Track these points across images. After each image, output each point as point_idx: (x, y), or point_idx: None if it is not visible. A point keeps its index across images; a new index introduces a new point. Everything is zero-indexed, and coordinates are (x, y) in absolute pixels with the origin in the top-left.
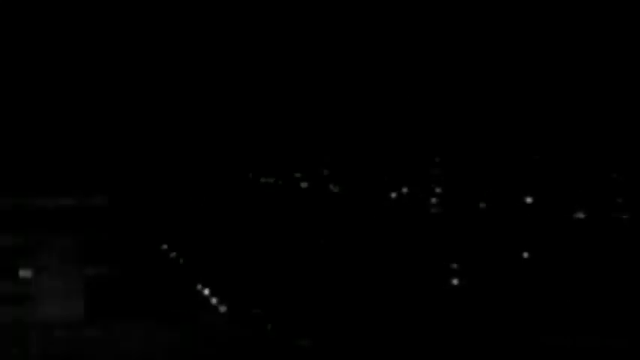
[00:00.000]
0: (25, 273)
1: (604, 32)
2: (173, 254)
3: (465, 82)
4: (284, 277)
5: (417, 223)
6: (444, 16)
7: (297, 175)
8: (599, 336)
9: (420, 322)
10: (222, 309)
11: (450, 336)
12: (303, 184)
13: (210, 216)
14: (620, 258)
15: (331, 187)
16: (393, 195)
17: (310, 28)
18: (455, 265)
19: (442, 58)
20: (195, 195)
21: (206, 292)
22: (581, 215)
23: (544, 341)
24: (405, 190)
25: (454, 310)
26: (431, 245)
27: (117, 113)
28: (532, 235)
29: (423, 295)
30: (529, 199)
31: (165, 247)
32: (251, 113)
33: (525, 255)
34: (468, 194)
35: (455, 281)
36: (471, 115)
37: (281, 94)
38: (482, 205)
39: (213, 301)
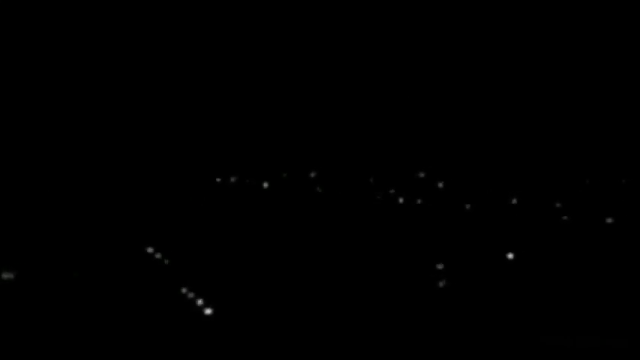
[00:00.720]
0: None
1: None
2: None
3: (442, 80)
4: (267, 278)
5: (402, 224)
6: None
7: (284, 175)
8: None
9: (410, 323)
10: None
11: (441, 337)
12: (287, 185)
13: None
14: (604, 259)
15: (318, 188)
16: (378, 196)
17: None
18: (440, 266)
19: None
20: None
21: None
22: (565, 217)
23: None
24: (392, 191)
25: (442, 310)
26: (416, 246)
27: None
28: (517, 236)
29: (410, 297)
30: (514, 200)
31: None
32: (217, 113)
33: (510, 256)
34: (454, 194)
35: (441, 283)
36: (454, 115)
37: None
38: (467, 205)
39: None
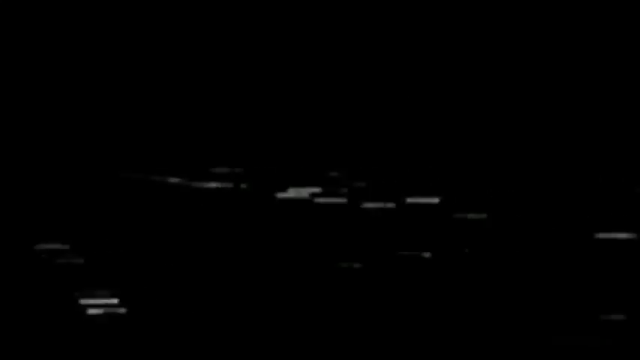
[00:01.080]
0: None
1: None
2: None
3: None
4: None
5: (321, 223)
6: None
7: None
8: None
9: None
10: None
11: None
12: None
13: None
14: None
15: (242, 185)
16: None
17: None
18: (357, 265)
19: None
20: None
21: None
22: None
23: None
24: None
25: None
26: (331, 245)
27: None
28: (435, 236)
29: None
30: (435, 200)
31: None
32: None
33: (427, 255)
34: (375, 193)
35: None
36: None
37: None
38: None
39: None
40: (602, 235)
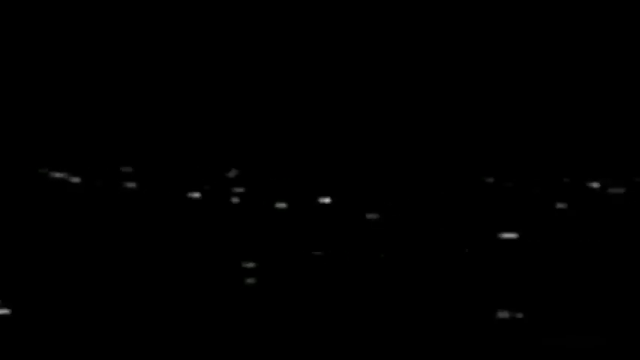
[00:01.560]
0: None
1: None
2: None
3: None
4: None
5: (215, 223)
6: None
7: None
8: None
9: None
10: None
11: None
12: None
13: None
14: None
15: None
16: (195, 194)
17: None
18: (251, 264)
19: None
20: None
21: None
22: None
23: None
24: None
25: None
26: (226, 244)
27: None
28: (326, 235)
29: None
30: (326, 200)
31: None
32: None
33: (318, 253)
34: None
35: (250, 280)
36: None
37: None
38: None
39: None
40: (503, 236)
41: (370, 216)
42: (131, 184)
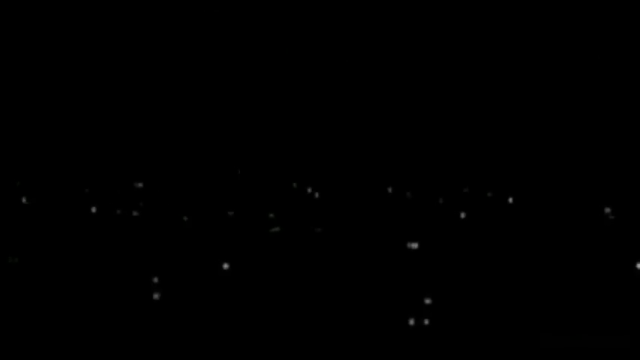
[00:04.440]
0: None
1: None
2: None
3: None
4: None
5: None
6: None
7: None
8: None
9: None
10: None
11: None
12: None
13: None
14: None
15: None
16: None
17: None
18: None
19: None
20: None
21: None
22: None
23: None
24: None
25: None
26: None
27: None
28: (231, 246)
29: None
30: (230, 213)
31: None
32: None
33: (226, 266)
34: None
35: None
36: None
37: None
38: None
39: None
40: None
41: (273, 229)
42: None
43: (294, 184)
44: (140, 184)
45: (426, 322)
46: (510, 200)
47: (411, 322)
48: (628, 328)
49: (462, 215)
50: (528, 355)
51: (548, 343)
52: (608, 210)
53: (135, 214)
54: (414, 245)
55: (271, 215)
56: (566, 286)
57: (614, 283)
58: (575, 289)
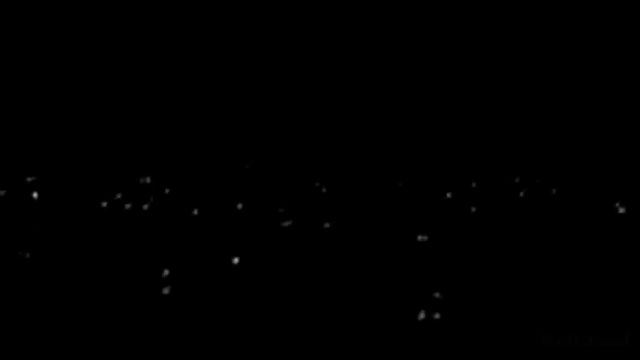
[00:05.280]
0: None
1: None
2: None
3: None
4: None
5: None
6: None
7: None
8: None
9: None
10: None
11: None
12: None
13: None
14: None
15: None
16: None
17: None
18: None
19: None
20: None
21: None
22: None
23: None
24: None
25: None
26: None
27: None
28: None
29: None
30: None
31: None
32: None
33: (236, 260)
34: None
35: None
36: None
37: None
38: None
39: None
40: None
41: (285, 223)
42: (35, 194)
43: (304, 179)
44: (148, 179)
45: (437, 316)
46: (521, 194)
47: (422, 315)
48: (628, 328)
49: (473, 209)
50: (539, 350)
51: (552, 341)
52: (618, 205)
53: (145, 207)
54: (424, 238)
55: (281, 210)
56: (577, 282)
57: (624, 280)
58: (586, 285)
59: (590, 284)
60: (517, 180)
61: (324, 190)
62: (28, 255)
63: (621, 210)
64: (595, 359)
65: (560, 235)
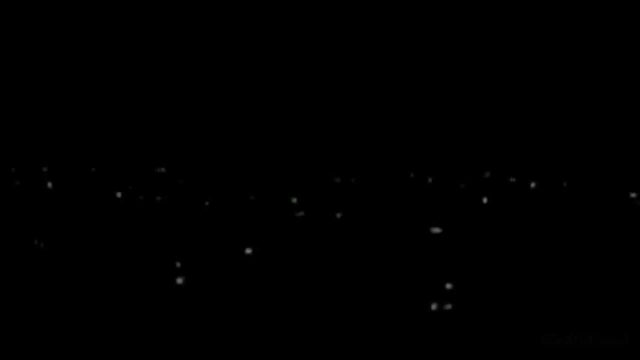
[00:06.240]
0: None
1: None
2: None
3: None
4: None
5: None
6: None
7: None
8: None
9: None
10: None
11: None
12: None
13: None
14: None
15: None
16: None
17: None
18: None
19: None
20: None
21: None
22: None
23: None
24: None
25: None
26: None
27: None
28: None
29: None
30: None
31: None
32: None
33: (249, 251)
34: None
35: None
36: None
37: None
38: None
39: None
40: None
41: (297, 214)
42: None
43: (317, 170)
44: (163, 169)
45: (449, 306)
46: (533, 185)
47: (434, 306)
48: (628, 328)
49: (485, 200)
50: (539, 350)
51: (552, 341)
52: (633, 195)
53: (158, 199)
54: (437, 230)
55: (294, 200)
56: (577, 282)
57: (624, 280)
58: (586, 285)
59: (590, 284)
60: (527, 172)
61: (337, 180)
62: (42, 244)
63: (622, 210)
64: (595, 359)
65: (560, 235)
